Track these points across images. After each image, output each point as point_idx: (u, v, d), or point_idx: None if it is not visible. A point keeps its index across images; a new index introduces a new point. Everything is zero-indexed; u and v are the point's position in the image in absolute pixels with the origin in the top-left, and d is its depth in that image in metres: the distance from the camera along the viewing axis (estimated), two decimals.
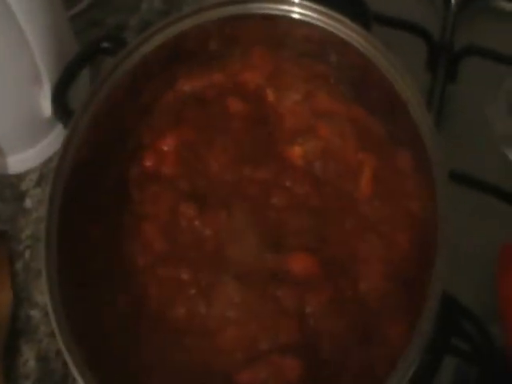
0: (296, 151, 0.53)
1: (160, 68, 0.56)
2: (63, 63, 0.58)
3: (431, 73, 0.64)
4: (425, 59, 0.65)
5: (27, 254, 0.61)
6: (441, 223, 0.43)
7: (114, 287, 0.49)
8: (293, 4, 0.54)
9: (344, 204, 0.51)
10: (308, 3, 0.53)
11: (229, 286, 0.47)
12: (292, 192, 0.51)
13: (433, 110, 0.61)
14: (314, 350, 0.45)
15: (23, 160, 0.65)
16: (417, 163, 0.49)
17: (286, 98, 0.56)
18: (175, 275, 0.49)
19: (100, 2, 0.74)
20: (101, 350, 0.46)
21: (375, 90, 0.52)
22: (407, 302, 0.46)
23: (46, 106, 0.62)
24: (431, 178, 0.45)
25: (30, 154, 0.65)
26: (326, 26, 0.54)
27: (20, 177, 0.65)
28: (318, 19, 0.54)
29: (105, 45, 0.57)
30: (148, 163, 0.54)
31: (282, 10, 0.54)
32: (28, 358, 0.56)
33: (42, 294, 0.59)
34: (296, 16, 0.54)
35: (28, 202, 0.64)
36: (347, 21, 0.52)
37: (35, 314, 0.58)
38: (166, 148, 0.54)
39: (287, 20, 0.55)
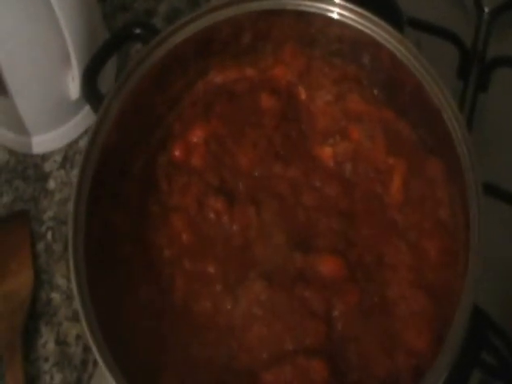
0: (326, 152, 0.53)
1: (191, 59, 0.55)
2: (92, 46, 0.58)
3: (462, 81, 0.64)
4: (456, 66, 0.65)
5: (49, 235, 0.61)
6: (473, 233, 0.43)
7: (139, 276, 0.50)
8: (330, 3, 0.53)
9: (373, 208, 0.51)
10: (345, 3, 0.53)
11: (255, 283, 0.48)
12: (321, 192, 0.52)
13: (463, 118, 0.60)
14: (340, 355, 0.45)
15: (48, 141, 0.65)
16: (448, 171, 0.50)
17: (317, 97, 0.56)
18: (202, 269, 0.49)
19: None
20: (123, 338, 0.46)
21: (407, 94, 0.53)
22: (434, 312, 0.46)
23: (74, 89, 0.62)
24: (463, 186, 0.45)
25: (55, 135, 0.65)
26: (360, 27, 0.53)
27: (44, 157, 0.65)
28: (353, 19, 0.53)
29: (136, 31, 0.57)
30: (177, 153, 0.54)
31: (319, 8, 0.54)
32: (47, 340, 0.57)
33: (63, 277, 0.59)
34: (333, 15, 0.54)
35: (51, 183, 0.64)
36: (382, 23, 0.52)
37: (56, 296, 0.58)
38: (195, 139, 0.54)
39: (322, 18, 0.55)
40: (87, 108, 0.65)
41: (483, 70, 0.64)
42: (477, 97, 0.63)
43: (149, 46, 0.53)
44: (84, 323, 0.44)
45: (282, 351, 0.46)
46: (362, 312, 0.47)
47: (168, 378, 0.46)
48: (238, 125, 0.55)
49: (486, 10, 0.67)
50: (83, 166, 0.49)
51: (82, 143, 0.65)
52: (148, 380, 0.46)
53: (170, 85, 0.56)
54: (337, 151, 0.53)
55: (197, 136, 0.54)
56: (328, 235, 0.49)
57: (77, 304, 0.44)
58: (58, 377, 0.56)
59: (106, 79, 0.64)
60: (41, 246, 0.61)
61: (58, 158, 0.65)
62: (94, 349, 0.43)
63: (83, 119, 0.65)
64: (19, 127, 0.63)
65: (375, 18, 0.53)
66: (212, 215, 0.51)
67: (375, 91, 0.55)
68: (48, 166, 0.65)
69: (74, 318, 0.57)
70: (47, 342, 0.57)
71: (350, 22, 0.54)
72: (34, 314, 0.57)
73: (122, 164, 0.53)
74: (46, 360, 0.56)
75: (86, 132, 0.65)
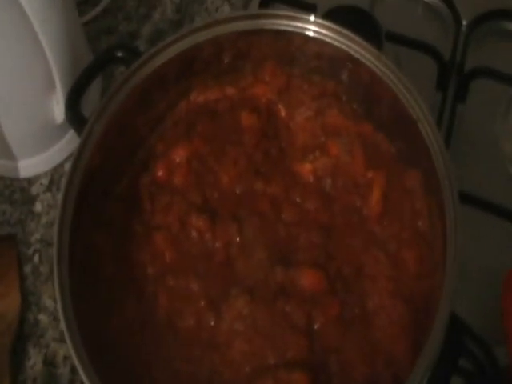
0: (306, 168, 0.54)
1: (173, 79, 0.56)
2: (76, 70, 0.59)
3: (441, 92, 0.65)
4: (435, 79, 0.65)
5: (36, 257, 0.62)
6: (449, 243, 0.43)
7: (123, 295, 0.50)
8: (307, 21, 0.54)
9: (353, 221, 0.51)
10: (322, 21, 0.54)
11: (238, 299, 0.48)
12: (301, 207, 0.52)
13: (442, 130, 0.61)
14: (322, 366, 0.46)
15: (34, 165, 0.66)
16: (426, 182, 0.50)
17: (297, 114, 0.56)
18: (185, 286, 0.50)
19: (112, 9, 0.74)
20: (109, 357, 0.46)
21: (386, 108, 0.53)
22: (412, 321, 0.47)
23: (59, 113, 0.63)
24: (440, 197, 0.46)
25: (41, 158, 0.66)
26: (338, 44, 0.54)
27: (31, 181, 0.66)
28: (331, 37, 0.54)
29: (119, 54, 0.58)
30: (159, 173, 0.55)
31: (297, 27, 0.55)
32: (35, 361, 0.57)
33: (50, 298, 0.59)
34: (310, 33, 0.54)
35: (38, 206, 0.64)
36: (360, 39, 0.53)
37: (43, 317, 0.59)
38: (177, 159, 0.55)
39: (300, 37, 0.55)
40: (72, 131, 0.65)
41: (461, 81, 0.64)
42: (455, 108, 0.63)
43: (131, 69, 0.54)
44: (69, 343, 0.44)
45: (263, 365, 0.46)
46: (343, 323, 0.47)
47: None
48: (219, 143, 0.56)
49: (464, 22, 0.68)
50: (66, 188, 0.49)
51: (68, 166, 0.65)
52: None
53: (153, 106, 0.56)
54: (316, 167, 0.54)
55: (179, 155, 0.55)
56: (308, 249, 0.50)
57: (62, 325, 0.44)
58: None
59: (91, 102, 0.65)
60: (28, 268, 0.61)
61: (45, 181, 0.66)
62: (80, 369, 0.43)
63: (69, 142, 0.66)
64: (5, 152, 0.64)
65: (352, 35, 0.53)
66: (194, 233, 0.52)
67: (354, 106, 0.56)
68: (35, 190, 0.65)
69: (62, 339, 0.57)
70: (35, 364, 0.57)
71: (327, 39, 0.54)
72: (22, 336, 0.58)
73: (106, 185, 0.53)
74: (34, 381, 0.56)
75: (71, 155, 0.65)
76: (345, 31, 0.53)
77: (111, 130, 0.53)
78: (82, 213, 0.50)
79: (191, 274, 0.50)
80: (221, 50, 0.56)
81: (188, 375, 0.47)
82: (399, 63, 0.53)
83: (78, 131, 0.54)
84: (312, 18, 0.54)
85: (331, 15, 0.62)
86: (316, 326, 0.47)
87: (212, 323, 0.48)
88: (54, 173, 0.66)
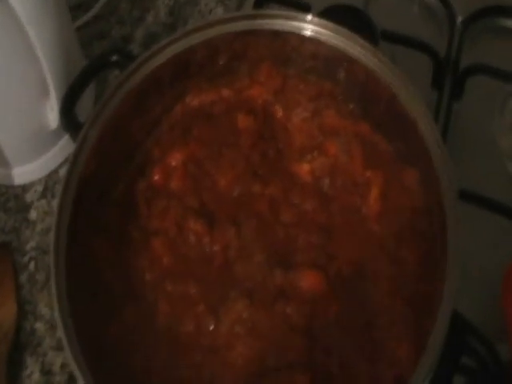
0: (304, 168, 0.54)
1: (168, 83, 0.56)
2: (70, 75, 0.58)
3: (437, 90, 0.64)
4: (431, 77, 0.65)
5: (32, 265, 0.61)
6: (449, 241, 0.43)
7: (121, 301, 0.49)
8: (304, 21, 0.54)
9: (351, 220, 0.51)
10: (319, 20, 0.54)
11: (237, 302, 0.48)
12: (300, 208, 0.52)
13: (438, 128, 0.61)
14: (323, 367, 0.46)
15: (28, 171, 0.65)
16: (424, 180, 0.50)
17: (294, 115, 0.56)
18: (184, 291, 0.49)
19: (104, 13, 0.74)
20: (108, 364, 0.46)
21: (383, 106, 0.53)
22: (414, 320, 0.46)
23: (53, 118, 0.62)
24: (439, 194, 0.46)
25: (35, 165, 0.65)
26: (334, 43, 0.54)
27: (25, 188, 0.65)
28: (327, 36, 0.54)
29: (113, 58, 0.57)
30: (156, 178, 0.54)
31: (293, 27, 0.54)
32: (33, 371, 0.56)
33: (46, 307, 0.59)
34: (306, 33, 0.54)
35: (33, 214, 0.64)
36: (357, 37, 0.53)
37: (40, 326, 0.58)
38: (173, 163, 0.55)
39: (296, 36, 0.55)
40: (67, 137, 0.65)
41: (457, 79, 0.64)
42: (451, 106, 0.63)
43: (125, 73, 0.53)
44: (68, 351, 0.43)
45: (264, 368, 0.46)
46: (343, 324, 0.47)
47: None
48: (216, 146, 0.55)
49: (459, 19, 0.68)
50: (63, 194, 0.49)
51: (63, 172, 0.65)
52: None
53: (148, 110, 0.56)
54: (314, 167, 0.53)
55: (175, 159, 0.55)
56: (307, 250, 0.50)
57: (60, 331, 0.44)
58: None
59: (85, 108, 0.64)
60: (24, 277, 0.60)
61: (39, 188, 0.65)
62: (79, 376, 0.43)
63: (63, 149, 0.65)
64: None
65: (348, 33, 0.53)
66: (192, 237, 0.51)
67: (351, 106, 0.55)
68: (29, 197, 0.65)
69: (59, 347, 0.57)
70: (32, 373, 0.56)
71: (323, 38, 0.54)
72: (19, 345, 0.57)
73: (102, 190, 0.53)
74: None
75: (66, 161, 0.65)
76: (341, 29, 0.53)
77: (107, 135, 0.52)
78: (79, 219, 0.49)
79: (190, 278, 0.50)
80: (216, 51, 0.56)
81: (189, 380, 0.46)
82: (395, 62, 0.52)
83: (73, 136, 0.53)
84: (309, 17, 0.54)
85: (326, 15, 0.62)
86: (316, 328, 0.47)
87: (211, 327, 0.47)
88: (49, 179, 0.65)
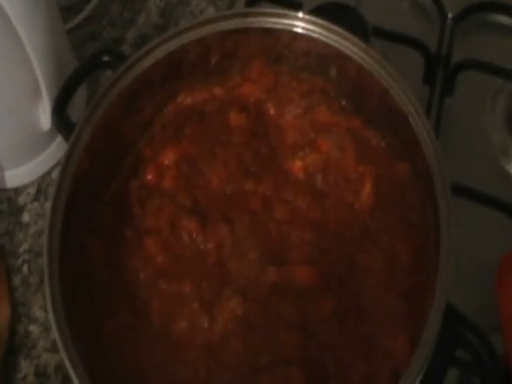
0: (297, 165, 0.53)
1: (160, 82, 0.56)
2: (62, 77, 0.58)
3: (428, 86, 0.64)
4: (422, 73, 0.65)
5: (25, 268, 0.61)
6: (443, 233, 0.43)
7: (117, 301, 0.49)
8: (295, 18, 0.54)
9: (345, 216, 0.51)
10: (310, 17, 0.54)
11: (231, 299, 0.48)
12: (293, 205, 0.52)
13: (431, 123, 0.61)
14: (318, 363, 0.45)
15: (20, 174, 0.65)
16: (417, 174, 0.50)
17: (286, 112, 0.56)
18: (178, 289, 0.49)
19: (96, 15, 0.74)
20: (103, 364, 0.46)
21: (375, 102, 0.53)
22: (408, 314, 0.46)
23: (45, 120, 0.62)
24: (432, 189, 0.46)
25: (28, 168, 0.65)
26: (326, 40, 0.54)
27: (17, 191, 0.65)
28: (318, 33, 0.54)
29: (105, 58, 0.57)
30: (149, 177, 0.54)
31: (284, 24, 0.54)
32: (27, 374, 0.56)
33: (40, 309, 0.58)
34: (298, 30, 0.54)
35: (25, 217, 0.64)
36: (348, 34, 0.53)
37: (34, 329, 0.58)
38: (166, 162, 0.54)
39: (288, 34, 0.55)
40: (59, 139, 0.65)
41: (448, 74, 0.64)
42: (443, 101, 0.63)
43: (118, 72, 0.53)
44: (63, 353, 0.43)
45: (259, 364, 0.45)
46: (338, 319, 0.47)
47: None
48: (208, 144, 0.55)
49: (449, 15, 0.68)
50: (56, 194, 0.49)
51: (55, 174, 0.64)
52: None
53: (140, 109, 0.56)
54: (307, 163, 0.53)
55: (168, 158, 0.55)
56: (301, 247, 0.50)
57: (54, 332, 0.44)
58: None
59: (77, 108, 0.64)
60: (17, 280, 0.60)
61: (32, 190, 0.65)
62: (74, 377, 0.42)
63: (55, 151, 0.65)
64: None
65: (340, 30, 0.53)
66: (186, 236, 0.51)
67: (343, 102, 0.55)
68: (22, 200, 0.64)
69: (53, 349, 0.56)
70: (27, 376, 0.56)
71: (315, 35, 0.54)
72: (13, 348, 0.57)
73: (94, 190, 0.53)
74: None
75: (58, 164, 0.65)
76: (333, 26, 0.53)
77: (99, 135, 0.52)
78: (72, 219, 0.49)
79: (184, 276, 0.49)
80: (208, 50, 0.56)
81: (185, 378, 0.46)
82: (386, 58, 0.52)
83: (66, 136, 0.53)
84: (300, 14, 0.54)
85: (317, 12, 0.62)
86: (310, 323, 0.46)
87: (206, 325, 0.47)
88: (41, 182, 0.65)
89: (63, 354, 0.43)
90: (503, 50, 0.66)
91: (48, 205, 0.62)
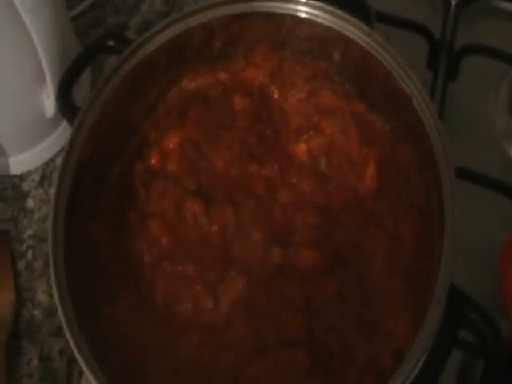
0: (301, 148, 0.53)
1: (165, 66, 0.56)
2: (66, 63, 0.58)
3: (432, 71, 0.64)
4: (426, 58, 0.65)
5: (30, 254, 0.61)
6: (446, 217, 0.43)
7: (120, 283, 0.49)
8: (299, 2, 0.54)
9: (349, 199, 0.51)
10: (313, 2, 0.54)
11: (235, 281, 0.48)
12: (297, 188, 0.52)
13: (435, 105, 0.61)
14: (322, 344, 0.46)
15: (25, 161, 0.65)
16: (421, 158, 0.50)
17: (290, 96, 0.56)
18: (182, 271, 0.49)
19: (100, 2, 0.74)
20: (108, 346, 0.46)
21: (379, 86, 0.53)
22: (412, 296, 0.46)
23: (49, 106, 0.62)
24: (436, 171, 0.46)
25: (32, 154, 0.65)
26: (330, 24, 0.54)
27: (22, 177, 0.65)
28: (321, 17, 0.54)
29: (109, 43, 0.57)
30: (153, 160, 0.54)
31: (287, 9, 0.54)
32: (31, 358, 0.56)
33: (45, 294, 0.59)
34: (301, 14, 0.54)
35: (30, 202, 0.64)
36: (351, 18, 0.52)
37: (38, 313, 0.58)
38: (170, 145, 0.54)
39: (291, 18, 0.55)
40: (63, 125, 0.65)
41: (452, 59, 0.64)
42: (447, 86, 0.63)
43: (122, 56, 0.53)
44: (68, 336, 0.43)
45: (263, 345, 0.46)
46: (341, 301, 0.47)
47: (154, 381, 0.46)
48: (213, 128, 0.55)
49: (453, 1, 0.67)
50: (60, 177, 0.49)
51: (59, 161, 0.64)
52: None
53: (145, 93, 0.56)
54: (311, 146, 0.53)
55: (172, 142, 0.55)
56: (305, 230, 0.50)
57: (60, 316, 0.44)
58: None
59: (81, 94, 0.64)
60: (22, 265, 0.60)
61: (36, 176, 0.65)
62: (80, 359, 0.43)
63: (59, 137, 0.65)
64: None
65: (343, 14, 0.53)
66: (190, 218, 0.51)
67: (346, 85, 0.55)
68: (26, 186, 0.64)
69: (57, 333, 0.56)
70: (31, 360, 0.56)
71: (318, 19, 0.54)
72: (17, 333, 0.57)
73: (99, 174, 0.53)
74: (31, 377, 0.55)
75: (62, 150, 0.65)
76: (336, 10, 0.53)
77: (104, 119, 0.52)
78: (76, 202, 0.49)
79: (188, 258, 0.50)
80: (212, 34, 0.56)
81: (188, 360, 0.46)
82: (390, 43, 0.52)
83: (70, 121, 0.53)
84: None
85: None
86: (314, 305, 0.47)
87: (210, 306, 0.48)
88: (46, 168, 0.65)
89: (69, 338, 0.43)
90: (507, 35, 0.66)
91: (52, 191, 0.63)
